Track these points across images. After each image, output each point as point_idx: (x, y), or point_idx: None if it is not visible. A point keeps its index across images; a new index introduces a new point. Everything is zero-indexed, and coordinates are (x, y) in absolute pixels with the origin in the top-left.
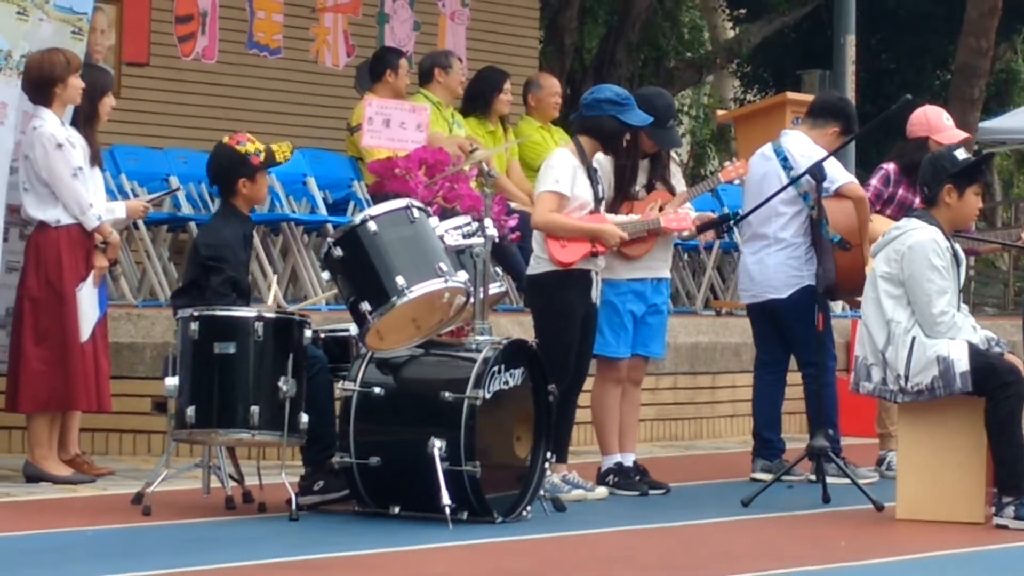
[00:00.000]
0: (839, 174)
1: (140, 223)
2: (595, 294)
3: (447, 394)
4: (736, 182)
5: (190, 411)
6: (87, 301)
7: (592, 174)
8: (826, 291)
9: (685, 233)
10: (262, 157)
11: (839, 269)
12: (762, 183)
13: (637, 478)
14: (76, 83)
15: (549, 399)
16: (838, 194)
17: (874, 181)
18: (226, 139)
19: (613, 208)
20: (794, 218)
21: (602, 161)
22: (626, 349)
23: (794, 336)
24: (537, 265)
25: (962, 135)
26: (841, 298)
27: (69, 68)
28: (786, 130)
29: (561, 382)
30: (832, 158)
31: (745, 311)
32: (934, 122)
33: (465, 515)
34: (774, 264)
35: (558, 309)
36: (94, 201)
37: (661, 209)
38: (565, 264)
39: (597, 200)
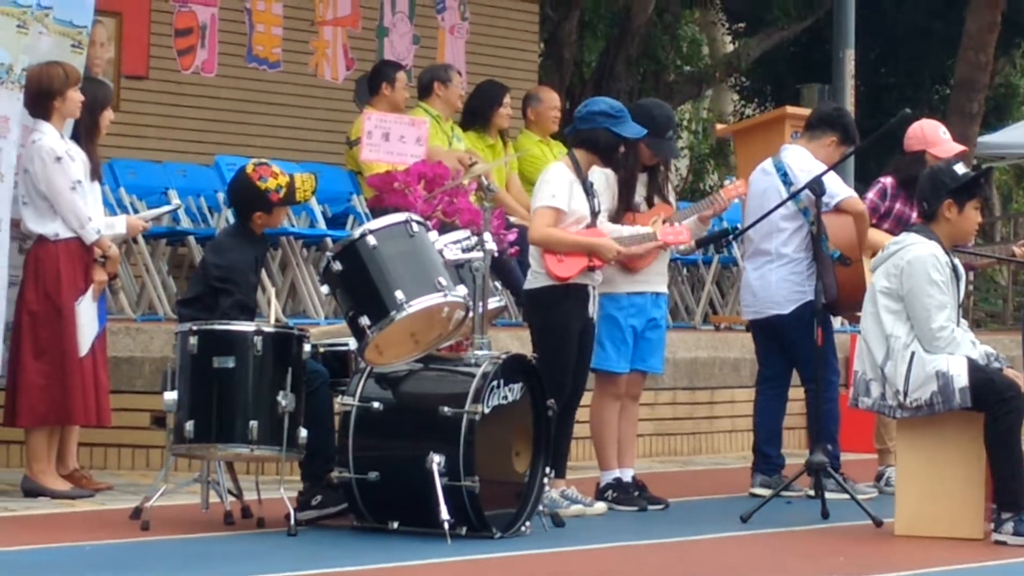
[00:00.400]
0: (839, 188)
1: (139, 237)
2: (592, 309)
3: (446, 409)
4: (736, 200)
5: (189, 426)
6: (86, 315)
7: (588, 187)
8: (827, 306)
9: (683, 248)
10: (282, 194)
11: (839, 285)
12: (763, 199)
13: (636, 493)
14: (75, 96)
15: (548, 414)
16: (838, 209)
17: (871, 195)
18: (250, 168)
19: (617, 219)
20: (795, 233)
21: (607, 173)
22: (626, 364)
23: (797, 352)
24: (534, 280)
25: (958, 148)
26: (842, 314)
27: (68, 81)
28: (786, 145)
29: (559, 397)
30: (832, 172)
31: (744, 326)
32: (930, 136)
33: (464, 530)
34: (776, 280)
35: (555, 324)
36: (93, 215)
37: (666, 222)
38: (562, 279)
39: (593, 214)
